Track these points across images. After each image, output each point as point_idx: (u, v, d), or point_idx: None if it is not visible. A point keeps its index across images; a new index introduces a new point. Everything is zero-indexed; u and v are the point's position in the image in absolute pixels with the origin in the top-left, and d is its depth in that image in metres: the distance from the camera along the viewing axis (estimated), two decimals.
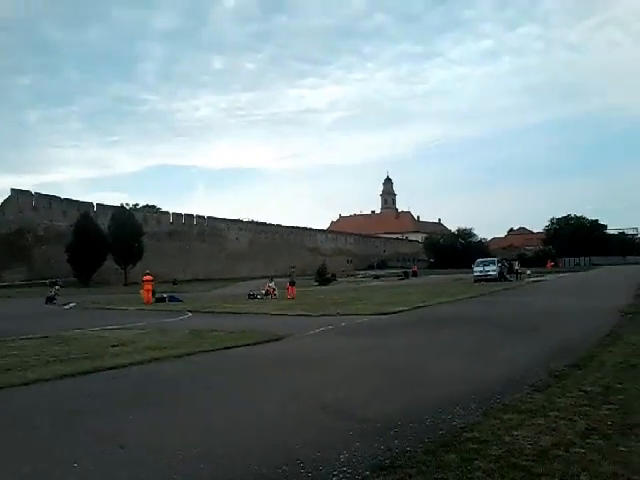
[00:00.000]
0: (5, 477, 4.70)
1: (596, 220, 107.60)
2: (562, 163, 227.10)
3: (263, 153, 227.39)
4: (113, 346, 12.39)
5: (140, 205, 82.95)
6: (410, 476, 4.34)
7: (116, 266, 57.07)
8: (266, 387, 8.27)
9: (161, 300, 30.32)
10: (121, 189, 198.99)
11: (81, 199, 63.65)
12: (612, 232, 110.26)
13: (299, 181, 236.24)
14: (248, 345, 12.44)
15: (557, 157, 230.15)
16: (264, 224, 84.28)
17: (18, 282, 52.00)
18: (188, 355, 11.19)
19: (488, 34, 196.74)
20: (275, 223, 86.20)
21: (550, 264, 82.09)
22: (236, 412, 6.75)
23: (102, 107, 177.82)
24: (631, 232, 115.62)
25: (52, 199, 61.11)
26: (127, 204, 70.91)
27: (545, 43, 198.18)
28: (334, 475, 4.51)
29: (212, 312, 22.73)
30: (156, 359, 10.74)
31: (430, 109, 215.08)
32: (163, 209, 78.24)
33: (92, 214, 59.05)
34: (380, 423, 5.89)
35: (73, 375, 9.20)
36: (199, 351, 11.61)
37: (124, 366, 10.06)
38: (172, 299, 30.96)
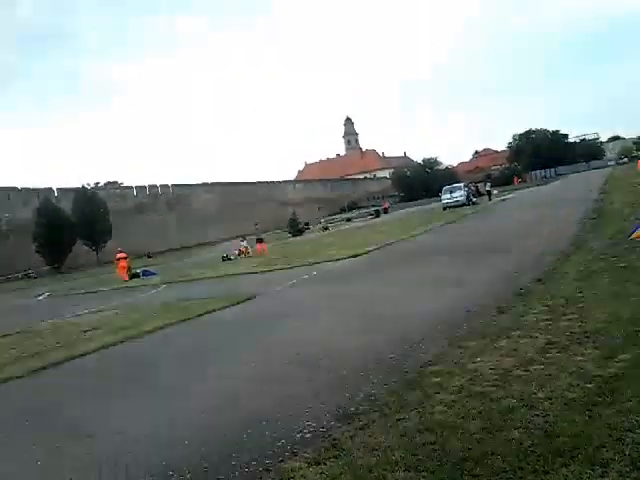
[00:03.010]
0: None
1: (557, 131, 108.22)
2: (518, 77, 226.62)
3: (222, 108, 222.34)
4: (86, 331, 12.24)
5: (101, 183, 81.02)
6: (373, 421, 4.36)
7: (87, 248, 56.20)
8: (236, 347, 8.28)
9: (136, 276, 29.93)
10: (78, 169, 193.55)
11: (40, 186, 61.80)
12: (574, 140, 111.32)
13: (260, 136, 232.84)
14: (220, 309, 12.40)
15: (513, 72, 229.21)
16: (230, 184, 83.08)
17: None
18: (161, 329, 11.12)
19: None
20: (241, 181, 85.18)
21: (517, 180, 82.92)
22: (202, 379, 6.73)
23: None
24: (592, 137, 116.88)
25: (10, 190, 59.30)
26: (88, 184, 68.99)
27: None
28: (298, 432, 4.52)
29: (186, 280, 22.58)
30: (129, 337, 10.65)
31: (382, 40, 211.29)
32: (126, 184, 76.52)
33: (54, 199, 57.55)
34: (347, 370, 5.92)
35: (44, 368, 9.07)
36: (171, 323, 11.52)
37: (95, 350, 9.96)
38: (146, 273, 30.48)
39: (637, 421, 3.50)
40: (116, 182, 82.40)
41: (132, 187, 71.22)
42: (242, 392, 5.90)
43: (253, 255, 30.34)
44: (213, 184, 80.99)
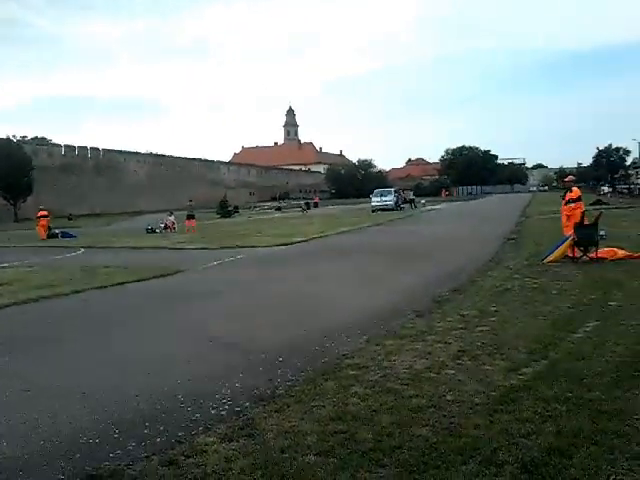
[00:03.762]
0: None
1: (488, 151, 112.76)
2: (459, 96, 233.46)
3: (164, 82, 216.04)
4: None
5: (29, 138, 76.70)
6: (288, 405, 4.47)
7: (4, 202, 53.32)
8: (155, 322, 8.21)
9: (54, 236, 28.85)
10: (7, 121, 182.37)
11: None
12: (502, 162, 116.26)
13: (201, 112, 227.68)
14: (142, 280, 12.19)
15: (454, 90, 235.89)
16: (164, 156, 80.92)
17: None
18: (77, 293, 10.80)
19: None
20: (177, 155, 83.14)
21: (445, 193, 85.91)
22: (118, 350, 6.65)
23: None
24: (519, 162, 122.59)
25: None
26: (14, 136, 65.15)
27: None
28: (213, 408, 4.57)
29: (108, 247, 21.92)
30: (43, 297, 10.27)
31: (335, 41, 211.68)
32: (55, 141, 72.75)
33: None
34: (266, 354, 6.01)
35: None
36: (90, 288, 11.22)
37: (6, 306, 9.57)
38: (65, 235, 29.54)
39: (531, 429, 3.79)
40: (45, 138, 78.22)
41: (61, 145, 67.96)
42: (157, 368, 5.87)
43: (179, 231, 29.84)
44: (146, 154, 78.48)
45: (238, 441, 3.92)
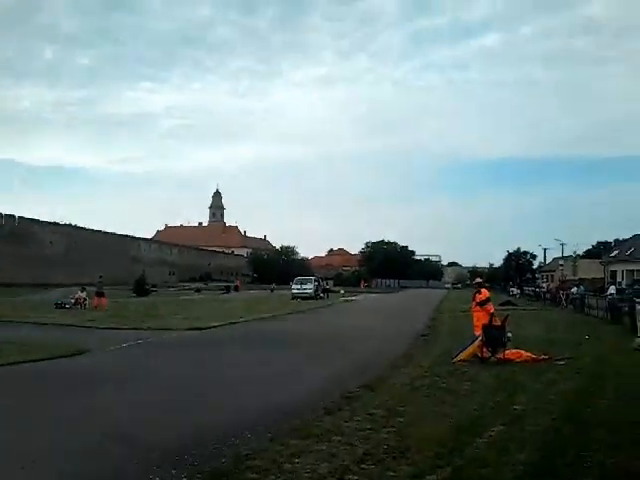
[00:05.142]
0: None
1: (406, 246, 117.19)
2: (379, 191, 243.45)
3: (91, 155, 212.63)
4: None
5: None
6: None
7: None
8: (44, 409, 7.57)
9: None
10: None
11: None
12: (419, 258, 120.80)
13: (126, 187, 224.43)
14: (39, 360, 11.39)
15: (376, 185, 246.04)
16: (83, 229, 78.27)
17: None
18: None
19: (325, 61, 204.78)
20: (96, 229, 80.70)
21: (364, 284, 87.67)
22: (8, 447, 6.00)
23: None
24: (435, 259, 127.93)
25: None
26: None
27: (375, 76, 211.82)
28: None
29: (9, 322, 20.45)
30: None
31: (264, 127, 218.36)
32: None
33: None
34: (162, 452, 5.60)
35: None
36: None
37: None
38: None
39: None
40: None
41: None
42: (41, 461, 5.32)
43: (89, 308, 28.52)
44: (64, 225, 75.59)
45: None
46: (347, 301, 44.42)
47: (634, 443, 5.93)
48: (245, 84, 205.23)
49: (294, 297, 42.06)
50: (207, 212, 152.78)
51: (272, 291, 60.92)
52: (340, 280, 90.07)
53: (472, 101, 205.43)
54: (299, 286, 44.52)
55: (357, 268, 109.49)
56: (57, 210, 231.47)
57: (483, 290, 13.87)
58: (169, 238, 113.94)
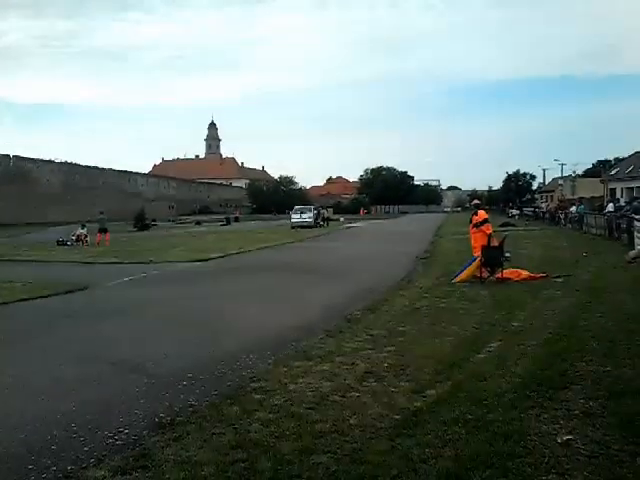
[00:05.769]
0: None
1: (405, 172, 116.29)
2: (378, 117, 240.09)
3: (79, 89, 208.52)
4: None
5: None
6: (188, 433, 4.29)
7: None
8: (54, 343, 7.74)
9: None
10: None
11: None
12: (418, 183, 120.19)
13: (119, 121, 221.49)
14: (46, 297, 11.56)
15: (374, 111, 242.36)
16: (79, 165, 77.34)
17: None
18: None
19: None
20: (92, 165, 79.80)
21: (363, 212, 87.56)
22: (9, 372, 6.17)
23: None
24: (434, 184, 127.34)
25: None
26: None
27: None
28: (108, 437, 4.32)
29: (12, 260, 20.60)
30: None
31: (258, 56, 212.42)
32: None
33: None
34: (171, 378, 5.77)
35: None
36: None
37: None
38: None
39: (431, 453, 3.81)
40: None
41: None
42: (52, 392, 5.50)
43: (91, 244, 28.63)
44: (60, 163, 74.66)
45: (131, 474, 3.71)
46: (346, 228, 44.56)
47: (626, 352, 6.10)
48: (235, 12, 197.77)
49: (294, 226, 42.15)
50: (203, 144, 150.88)
51: (274, 214, 60.95)
52: (339, 208, 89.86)
53: (472, 22, 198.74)
54: (298, 215, 44.48)
55: (356, 196, 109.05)
56: (50, 148, 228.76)
57: (480, 212, 13.88)
58: (166, 172, 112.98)
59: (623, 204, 27.77)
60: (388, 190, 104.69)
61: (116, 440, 4.28)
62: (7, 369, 6.39)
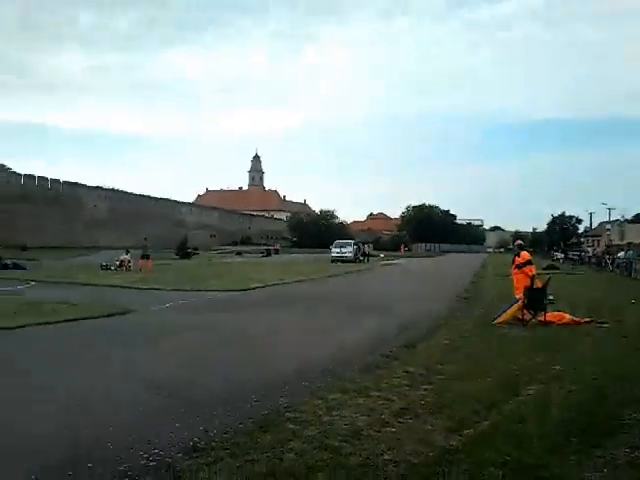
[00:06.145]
0: None
1: (448, 210, 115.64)
2: (419, 155, 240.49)
3: (131, 119, 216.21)
4: None
5: None
6: (222, 458, 4.30)
7: None
8: (98, 365, 7.88)
9: (5, 267, 28.15)
10: None
11: None
12: (461, 222, 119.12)
13: (167, 152, 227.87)
14: (89, 318, 11.89)
15: (415, 149, 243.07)
16: (126, 193, 79.77)
17: None
18: (19, 328, 10.41)
19: (362, 22, 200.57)
20: (138, 192, 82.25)
21: (403, 249, 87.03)
22: (56, 394, 6.32)
23: None
24: (477, 223, 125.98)
25: None
26: None
27: (414, 38, 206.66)
28: (144, 458, 4.36)
29: (59, 282, 21.27)
30: None
31: (303, 91, 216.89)
32: (14, 170, 70.70)
33: None
34: (206, 403, 5.82)
35: None
36: (33, 323, 10.84)
37: None
38: (16, 266, 28.83)
39: None
40: (3, 165, 76.19)
41: (20, 174, 66.24)
42: (90, 411, 5.61)
43: (134, 270, 29.28)
44: (107, 189, 77.17)
45: None
46: (387, 265, 44.33)
47: None
48: (282, 48, 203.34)
49: (334, 260, 42.21)
50: (247, 176, 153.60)
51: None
52: (379, 244, 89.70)
53: (515, 61, 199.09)
54: (339, 249, 44.53)
55: (397, 232, 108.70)
56: (99, 175, 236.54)
57: (523, 253, 13.66)
58: (210, 202, 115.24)
59: None
60: (430, 228, 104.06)
61: (150, 461, 4.33)
62: (45, 386, 6.55)
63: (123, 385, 6.69)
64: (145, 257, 29.95)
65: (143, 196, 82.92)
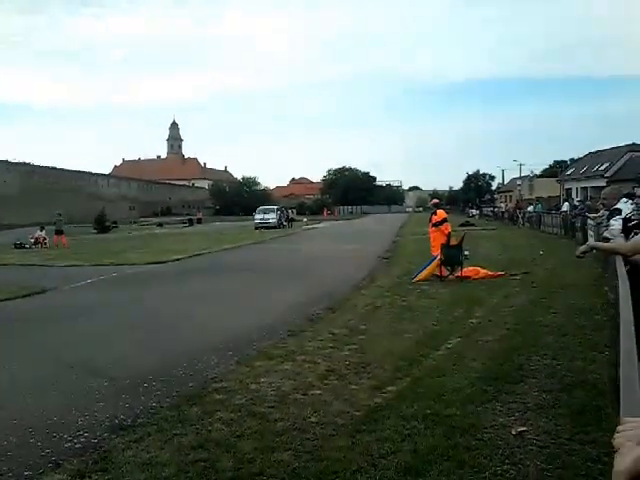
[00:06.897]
0: None
1: (367, 172, 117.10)
2: (340, 118, 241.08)
3: (36, 87, 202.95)
4: None
5: None
6: (149, 434, 4.27)
7: None
8: (11, 346, 7.58)
9: None
10: None
11: None
12: (380, 184, 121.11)
13: (78, 121, 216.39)
14: (4, 300, 11.30)
15: (336, 112, 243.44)
16: (37, 166, 75.36)
17: None
18: None
19: None
20: (50, 165, 77.79)
21: (327, 212, 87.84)
22: None
23: None
24: (396, 184, 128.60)
25: None
26: None
27: (333, 2, 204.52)
28: (67, 441, 4.26)
29: None
30: None
31: (222, 55, 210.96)
32: None
33: None
34: (130, 380, 5.73)
35: None
36: None
37: None
38: None
39: (390, 448, 3.89)
40: None
41: None
42: (9, 397, 5.39)
43: (50, 247, 28.02)
44: (18, 163, 72.58)
45: (91, 477, 3.68)
46: (310, 229, 44.64)
47: (578, 346, 6.33)
48: (198, 10, 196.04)
49: (257, 227, 42.00)
50: (165, 145, 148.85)
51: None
52: (303, 209, 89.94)
53: (436, 22, 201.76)
54: (262, 216, 44.31)
55: (320, 196, 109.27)
56: (7, 149, 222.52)
57: (439, 211, 14.12)
58: (127, 173, 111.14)
59: (577, 203, 28.60)
60: (351, 191, 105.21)
61: (75, 444, 4.24)
62: None
63: (43, 367, 6.45)
64: (59, 232, 28.69)
65: (56, 169, 78.71)
